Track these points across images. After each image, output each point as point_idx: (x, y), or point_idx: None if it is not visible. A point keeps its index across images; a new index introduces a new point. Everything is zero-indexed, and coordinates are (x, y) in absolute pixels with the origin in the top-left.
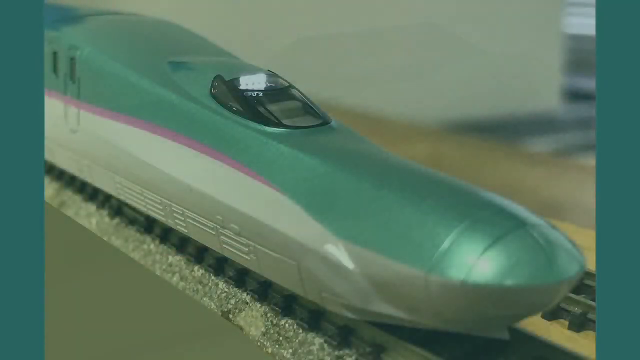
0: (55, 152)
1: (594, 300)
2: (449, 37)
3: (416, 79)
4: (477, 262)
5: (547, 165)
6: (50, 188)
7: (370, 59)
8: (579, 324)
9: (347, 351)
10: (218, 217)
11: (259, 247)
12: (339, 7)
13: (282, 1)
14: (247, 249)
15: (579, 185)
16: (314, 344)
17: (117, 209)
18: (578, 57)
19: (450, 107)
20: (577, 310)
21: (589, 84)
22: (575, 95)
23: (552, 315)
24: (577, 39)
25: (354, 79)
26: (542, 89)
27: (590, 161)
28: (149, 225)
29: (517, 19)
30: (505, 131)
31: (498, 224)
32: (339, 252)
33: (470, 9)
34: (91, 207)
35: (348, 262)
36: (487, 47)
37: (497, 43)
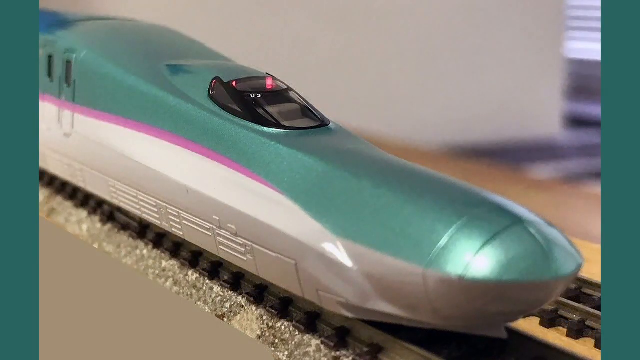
0: (47, 157)
1: (592, 307)
2: (449, 61)
3: (417, 102)
4: (474, 258)
5: (550, 192)
6: (39, 195)
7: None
8: (577, 331)
9: (344, 352)
10: (215, 217)
11: (256, 246)
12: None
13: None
14: (243, 249)
15: (584, 214)
16: (311, 345)
17: (109, 214)
18: (579, 82)
19: (450, 131)
20: (575, 317)
21: (590, 109)
22: (576, 122)
23: (550, 322)
24: (578, 63)
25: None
26: (543, 114)
27: (591, 189)
28: (142, 230)
29: (518, 44)
30: (505, 156)
31: (495, 221)
32: (337, 250)
33: (471, 33)
34: (82, 214)
35: (346, 260)
36: (488, 72)
37: (498, 68)
